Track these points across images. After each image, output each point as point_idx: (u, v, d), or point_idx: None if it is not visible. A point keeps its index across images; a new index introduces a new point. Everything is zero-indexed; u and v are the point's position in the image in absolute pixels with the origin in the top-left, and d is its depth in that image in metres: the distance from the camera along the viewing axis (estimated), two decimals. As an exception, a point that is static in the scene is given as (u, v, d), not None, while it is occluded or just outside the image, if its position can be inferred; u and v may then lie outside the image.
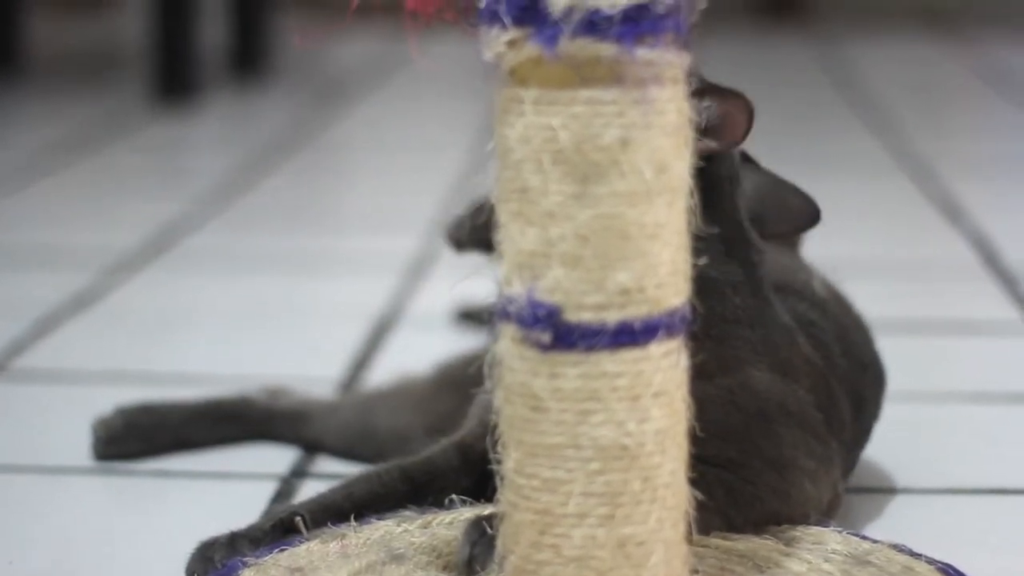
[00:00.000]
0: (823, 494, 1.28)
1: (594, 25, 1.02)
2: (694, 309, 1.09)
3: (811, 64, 4.36)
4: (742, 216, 1.28)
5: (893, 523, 1.36)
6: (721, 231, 1.25)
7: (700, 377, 1.12)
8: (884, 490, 1.44)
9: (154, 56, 3.58)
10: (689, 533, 1.11)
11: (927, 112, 3.71)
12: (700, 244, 1.11)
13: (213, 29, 3.96)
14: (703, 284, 1.12)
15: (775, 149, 3.35)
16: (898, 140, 3.24)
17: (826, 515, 1.29)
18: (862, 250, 2.41)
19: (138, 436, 1.53)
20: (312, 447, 1.54)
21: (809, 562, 1.20)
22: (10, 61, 4.05)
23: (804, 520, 1.26)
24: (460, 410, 1.39)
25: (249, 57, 4.01)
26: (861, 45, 4.71)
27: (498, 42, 1.06)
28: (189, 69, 3.61)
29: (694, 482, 1.11)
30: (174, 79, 3.58)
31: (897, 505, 1.41)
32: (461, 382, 1.45)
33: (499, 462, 1.10)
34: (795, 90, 3.99)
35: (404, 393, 1.53)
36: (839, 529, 1.26)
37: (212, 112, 3.63)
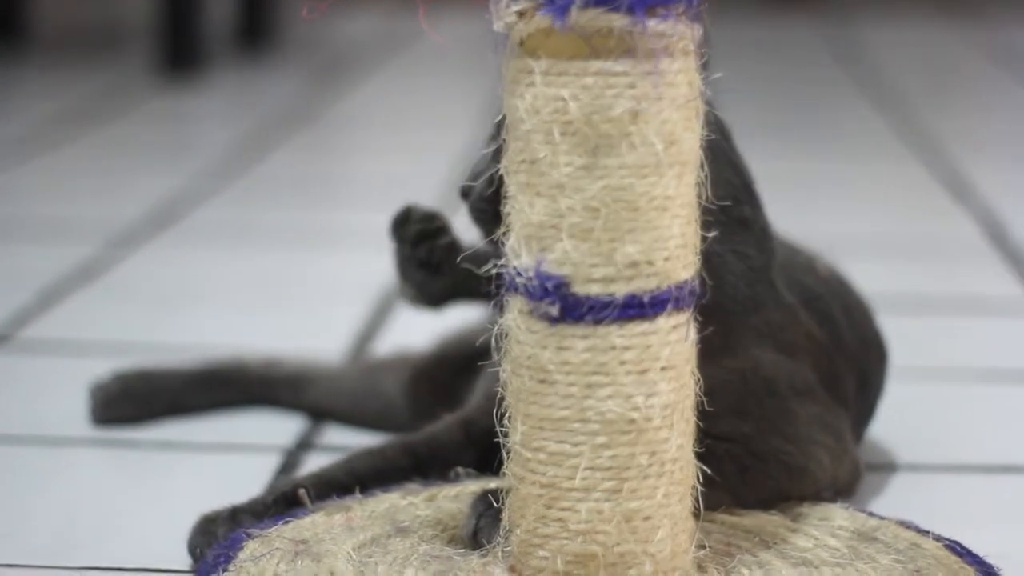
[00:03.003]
0: (841, 470, 1.27)
1: (605, -5, 1.02)
2: (702, 285, 1.09)
3: (820, 44, 4.35)
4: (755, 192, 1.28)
5: (899, 500, 1.35)
6: (736, 206, 1.24)
7: (708, 360, 1.12)
8: (890, 467, 1.43)
9: (160, 29, 3.57)
10: (696, 508, 1.10)
11: (936, 92, 3.70)
12: (713, 219, 1.11)
13: (220, 2, 3.95)
14: (707, 269, 1.11)
15: (784, 130, 3.35)
16: (907, 120, 3.23)
17: (846, 491, 1.29)
18: (870, 228, 2.40)
19: (135, 401, 1.53)
20: (312, 411, 1.54)
21: (816, 538, 1.20)
22: (17, 33, 4.05)
23: (816, 497, 1.25)
24: (464, 378, 1.39)
25: (255, 31, 4.00)
26: (870, 24, 4.69)
27: (508, 12, 1.05)
28: (195, 42, 3.60)
29: (704, 458, 1.10)
30: (180, 52, 3.57)
31: (903, 482, 1.40)
32: (465, 352, 1.45)
33: (505, 435, 1.10)
34: (804, 70, 3.98)
35: (409, 359, 1.53)
36: (846, 505, 1.25)
37: (218, 86, 3.62)
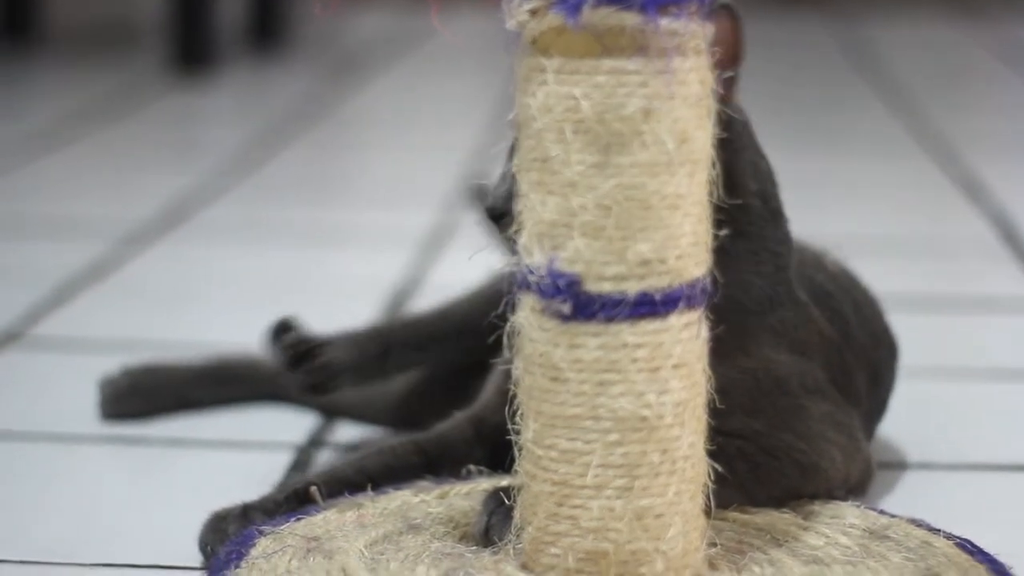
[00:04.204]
0: (853, 467, 1.28)
1: (618, -7, 1.02)
2: (715, 283, 1.09)
3: (831, 44, 4.35)
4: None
5: (910, 498, 1.35)
6: (774, 199, 1.25)
7: (723, 359, 1.12)
8: (902, 465, 1.43)
9: (172, 28, 3.58)
10: (707, 506, 1.10)
11: (947, 92, 3.69)
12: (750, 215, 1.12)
13: (231, 1, 3.95)
14: (726, 268, 1.12)
15: (796, 130, 3.35)
16: (918, 120, 3.23)
17: (858, 489, 1.29)
18: (883, 228, 2.40)
19: (143, 395, 1.53)
20: (322, 407, 1.53)
21: (827, 536, 1.20)
22: (28, 32, 4.05)
23: (828, 495, 1.25)
24: (474, 375, 1.39)
25: (267, 29, 4.01)
26: (881, 25, 4.69)
27: (521, 11, 1.05)
28: (206, 41, 3.61)
29: (715, 455, 1.10)
30: (191, 51, 3.58)
31: (914, 480, 1.40)
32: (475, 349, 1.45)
33: (517, 433, 1.10)
34: (815, 70, 3.98)
35: None
36: (857, 503, 1.25)
37: (229, 84, 3.63)
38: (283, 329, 1.43)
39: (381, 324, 1.46)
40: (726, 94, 1.16)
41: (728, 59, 1.16)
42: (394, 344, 1.40)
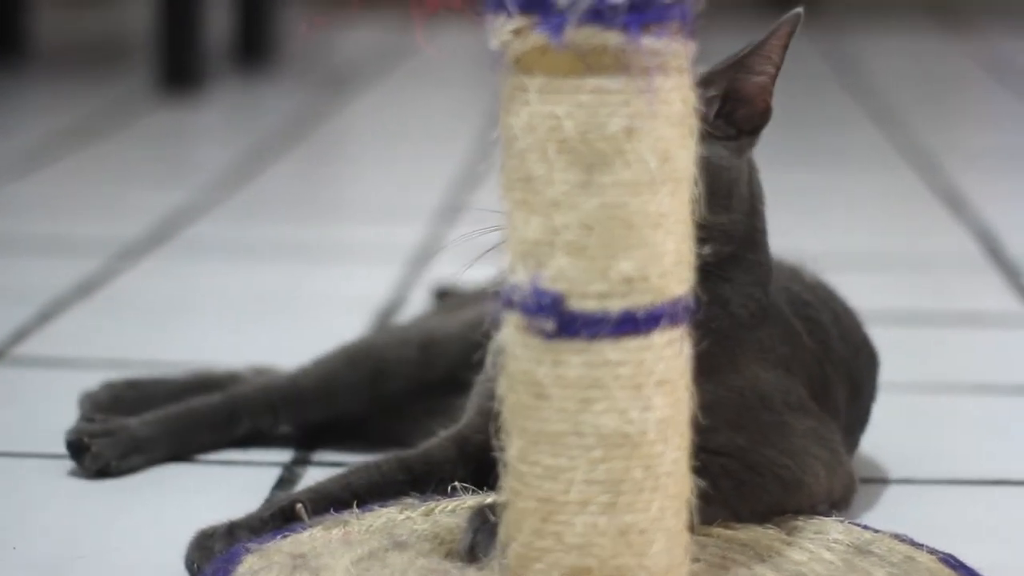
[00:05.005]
0: (836, 482, 1.28)
1: (600, 13, 1.03)
2: (698, 301, 1.10)
3: (816, 56, 4.36)
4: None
5: (894, 513, 1.36)
6: (758, 216, 1.27)
7: (710, 377, 1.13)
8: (885, 480, 1.44)
9: (160, 45, 3.58)
10: (691, 522, 1.11)
11: (931, 104, 3.71)
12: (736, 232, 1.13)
13: (219, 18, 3.96)
14: (717, 289, 1.13)
15: (779, 142, 3.36)
16: (902, 132, 3.24)
17: (841, 504, 1.29)
18: (866, 242, 2.41)
19: (124, 410, 1.52)
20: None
21: (811, 551, 1.20)
22: (17, 50, 4.05)
23: (812, 511, 1.26)
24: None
25: (254, 46, 4.01)
26: (865, 37, 4.70)
27: (504, 30, 1.06)
28: (194, 58, 3.61)
29: (700, 472, 1.11)
30: (179, 68, 3.58)
31: (898, 495, 1.41)
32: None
33: (501, 450, 1.10)
34: (800, 82, 3.99)
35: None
36: (841, 519, 1.26)
37: (217, 101, 3.63)
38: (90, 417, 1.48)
39: (189, 406, 1.49)
40: (765, 99, 1.30)
41: (779, 63, 1.30)
42: (201, 420, 1.48)
